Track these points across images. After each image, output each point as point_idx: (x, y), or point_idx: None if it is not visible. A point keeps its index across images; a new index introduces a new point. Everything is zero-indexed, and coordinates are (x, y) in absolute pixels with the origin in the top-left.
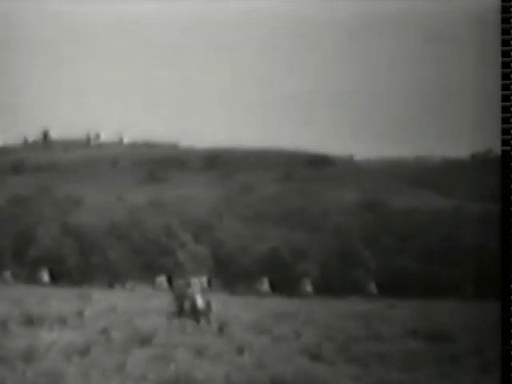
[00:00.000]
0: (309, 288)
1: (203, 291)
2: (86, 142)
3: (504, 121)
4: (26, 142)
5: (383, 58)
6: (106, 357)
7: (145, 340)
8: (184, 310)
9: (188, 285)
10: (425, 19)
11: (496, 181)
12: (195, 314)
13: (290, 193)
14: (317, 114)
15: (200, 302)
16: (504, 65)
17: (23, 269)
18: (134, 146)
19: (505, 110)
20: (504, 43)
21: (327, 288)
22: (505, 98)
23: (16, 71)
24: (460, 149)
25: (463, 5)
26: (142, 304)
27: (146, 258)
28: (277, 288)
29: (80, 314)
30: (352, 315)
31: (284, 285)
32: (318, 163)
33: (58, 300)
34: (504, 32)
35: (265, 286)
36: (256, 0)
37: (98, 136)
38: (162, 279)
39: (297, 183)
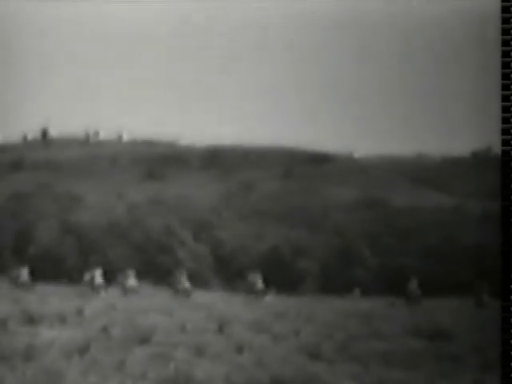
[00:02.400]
0: (309, 286)
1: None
2: (85, 140)
3: (504, 119)
4: (25, 140)
5: (384, 57)
6: (106, 355)
7: (144, 338)
8: None
9: None
10: (425, 19)
11: (496, 179)
12: None
13: (290, 191)
14: (317, 111)
15: None
16: (504, 65)
17: (23, 266)
18: (133, 143)
19: (505, 108)
20: (504, 43)
21: (327, 286)
22: (505, 97)
23: (16, 69)
24: (460, 147)
25: (463, 5)
26: (141, 302)
27: (145, 257)
28: (277, 286)
29: (80, 312)
30: (352, 314)
31: (284, 283)
32: (318, 161)
33: (58, 298)
34: (504, 32)
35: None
36: (256, 0)
37: (97, 134)
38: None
39: (297, 181)
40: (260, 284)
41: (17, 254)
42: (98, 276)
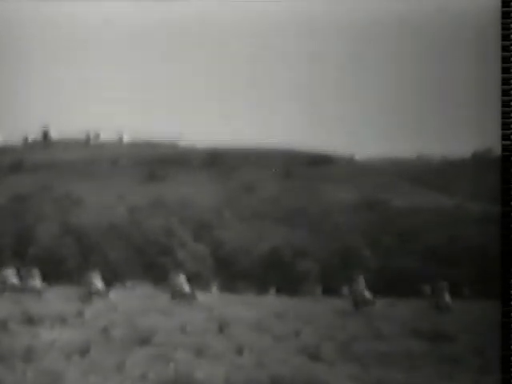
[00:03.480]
0: (309, 287)
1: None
2: (86, 142)
3: (504, 120)
4: (25, 141)
5: (384, 58)
6: (106, 356)
7: (145, 339)
8: None
9: None
10: (425, 19)
11: (497, 180)
12: None
13: (291, 192)
14: (317, 113)
15: None
16: (504, 64)
17: (23, 267)
18: (133, 145)
19: (505, 109)
20: (504, 43)
21: (327, 287)
22: (505, 98)
23: (16, 70)
24: (461, 148)
25: (463, 5)
26: (142, 303)
27: (145, 258)
28: (277, 287)
29: (80, 313)
30: (352, 314)
31: (284, 284)
32: (318, 162)
33: (58, 299)
34: (504, 32)
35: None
36: (256, 1)
37: (97, 135)
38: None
39: (297, 182)
40: (186, 286)
41: (17, 255)
42: (11, 276)
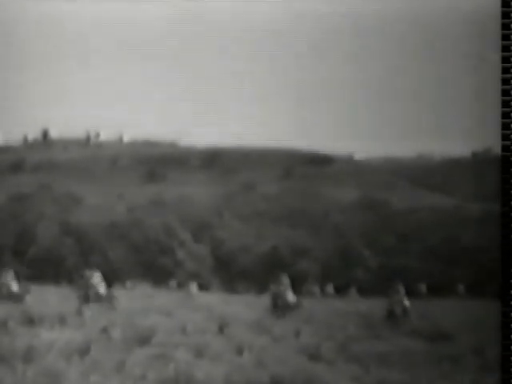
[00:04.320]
0: (308, 287)
1: None
2: (86, 141)
3: (504, 120)
4: (25, 141)
5: (384, 58)
6: (106, 356)
7: (145, 339)
8: None
9: None
10: (425, 19)
11: (496, 180)
12: None
13: (290, 192)
14: (317, 113)
15: None
16: (504, 64)
17: (23, 267)
18: (133, 144)
19: (505, 109)
20: (504, 43)
21: (327, 287)
22: (505, 98)
23: (16, 70)
24: (460, 148)
25: (463, 5)
26: (142, 303)
27: (145, 257)
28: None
29: (80, 313)
30: (352, 314)
31: None
32: (318, 162)
33: (58, 299)
34: (504, 32)
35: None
36: (255, 3)
37: (97, 135)
38: None
39: (297, 182)
40: (102, 287)
41: (17, 255)
42: None
